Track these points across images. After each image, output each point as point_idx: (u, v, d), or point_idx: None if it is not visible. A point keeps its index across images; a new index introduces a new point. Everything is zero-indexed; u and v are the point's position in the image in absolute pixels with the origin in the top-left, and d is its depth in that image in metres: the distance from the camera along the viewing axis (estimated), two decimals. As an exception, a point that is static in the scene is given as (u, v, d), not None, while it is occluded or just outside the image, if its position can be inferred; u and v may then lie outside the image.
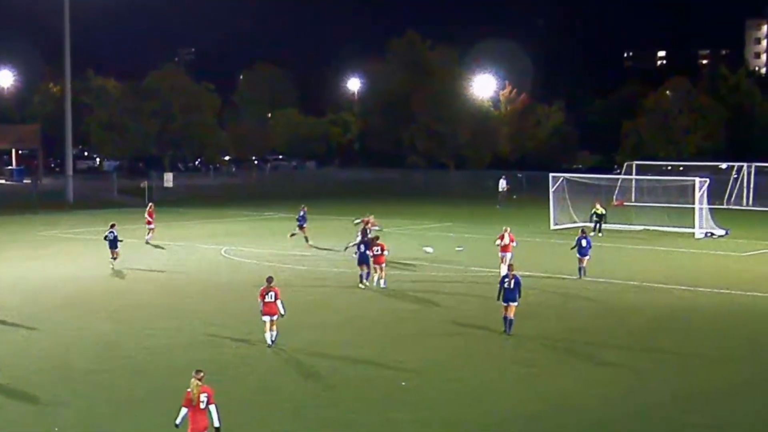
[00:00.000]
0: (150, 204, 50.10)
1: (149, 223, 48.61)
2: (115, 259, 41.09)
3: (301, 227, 47.34)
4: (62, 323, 30.34)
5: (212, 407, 17.92)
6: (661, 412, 21.70)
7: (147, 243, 47.98)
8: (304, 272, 40.05)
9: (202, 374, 18.17)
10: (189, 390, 17.92)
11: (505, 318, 28.51)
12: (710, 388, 23.57)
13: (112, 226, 41.82)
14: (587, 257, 37.99)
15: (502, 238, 38.17)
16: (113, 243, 41.18)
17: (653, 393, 23.00)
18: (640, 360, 26.15)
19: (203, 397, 17.85)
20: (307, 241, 47.19)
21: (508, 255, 37.57)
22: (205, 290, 36.25)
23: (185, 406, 17.86)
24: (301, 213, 47.53)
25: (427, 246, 42.41)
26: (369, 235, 39.16)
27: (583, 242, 38.07)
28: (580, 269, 38.10)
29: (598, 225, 50.13)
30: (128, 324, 30.21)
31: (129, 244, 44.43)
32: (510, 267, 29.32)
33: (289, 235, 47.44)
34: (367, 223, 41.70)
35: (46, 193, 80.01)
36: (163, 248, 47.12)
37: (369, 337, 28.74)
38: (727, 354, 26.95)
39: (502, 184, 67.15)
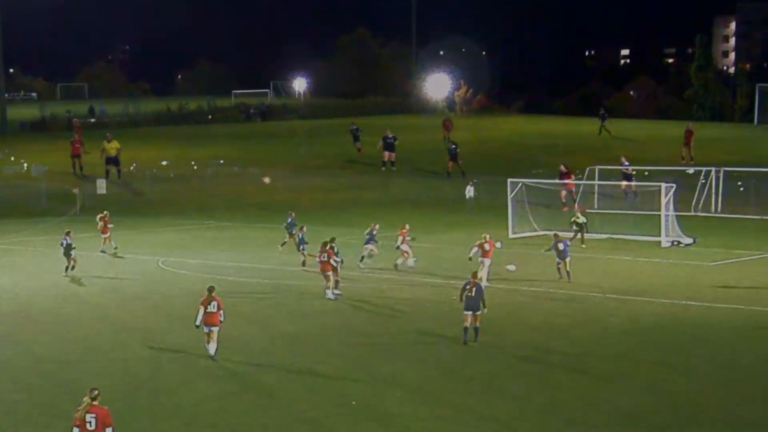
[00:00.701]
0: (105, 212, 49.30)
1: (105, 231, 48.11)
2: (71, 267, 41.39)
3: (290, 234, 47.33)
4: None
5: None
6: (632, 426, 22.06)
7: (103, 252, 47.75)
8: (248, 283, 40.10)
9: (96, 392, 17.52)
10: (79, 408, 17.39)
11: (466, 328, 28.98)
12: (671, 403, 23.97)
13: (68, 233, 41.83)
14: (568, 258, 39.48)
15: (481, 246, 38.49)
16: (67, 250, 41.24)
17: (623, 404, 23.35)
18: (607, 371, 26.51)
19: (89, 418, 17.18)
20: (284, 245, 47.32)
21: (487, 261, 38.38)
22: (141, 304, 36.21)
23: (76, 426, 17.29)
24: (289, 220, 47.55)
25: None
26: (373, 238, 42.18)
27: (560, 246, 39.62)
28: (558, 270, 39.74)
29: (581, 234, 48.95)
30: (59, 340, 30.12)
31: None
32: (474, 275, 29.76)
33: (279, 246, 47.24)
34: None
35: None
36: (123, 257, 46.87)
37: (320, 350, 28.88)
38: (692, 368, 27.43)
39: (470, 190, 67.13)
